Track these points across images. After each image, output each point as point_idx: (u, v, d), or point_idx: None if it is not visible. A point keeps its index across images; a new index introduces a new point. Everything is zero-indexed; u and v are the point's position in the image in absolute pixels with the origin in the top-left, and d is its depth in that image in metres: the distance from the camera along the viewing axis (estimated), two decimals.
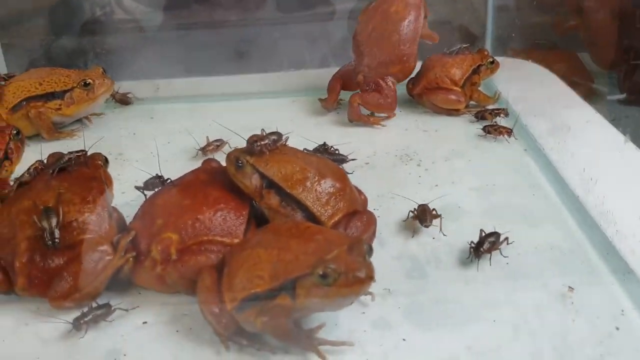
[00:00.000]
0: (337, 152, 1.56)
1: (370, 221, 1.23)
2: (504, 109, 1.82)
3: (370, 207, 1.34)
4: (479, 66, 1.89)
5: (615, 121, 1.69)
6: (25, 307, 1.13)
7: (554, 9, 2.30)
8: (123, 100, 2.02)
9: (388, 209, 1.39)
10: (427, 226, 1.28)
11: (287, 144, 1.28)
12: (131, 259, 1.14)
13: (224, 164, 1.27)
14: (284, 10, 2.54)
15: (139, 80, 2.13)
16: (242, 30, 2.54)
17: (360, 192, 1.33)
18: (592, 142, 1.64)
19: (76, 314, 1.07)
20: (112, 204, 1.27)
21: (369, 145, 1.70)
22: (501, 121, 1.78)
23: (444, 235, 1.29)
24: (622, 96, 2.05)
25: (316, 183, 1.21)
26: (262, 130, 1.26)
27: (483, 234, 1.23)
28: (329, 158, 1.44)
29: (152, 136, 1.75)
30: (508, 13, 2.35)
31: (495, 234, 1.23)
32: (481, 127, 1.73)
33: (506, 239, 1.23)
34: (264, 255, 0.99)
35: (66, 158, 1.27)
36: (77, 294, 1.11)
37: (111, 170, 1.34)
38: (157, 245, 1.13)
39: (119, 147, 1.72)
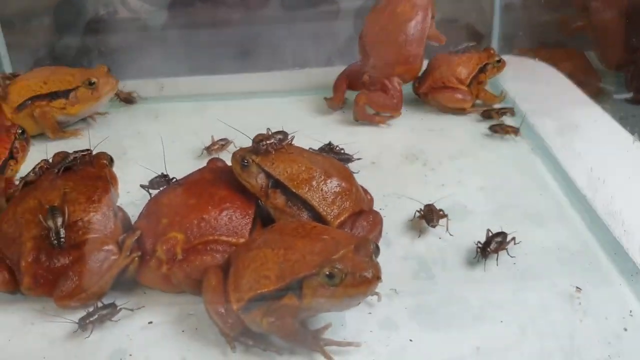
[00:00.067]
0: (342, 151, 1.55)
1: (377, 221, 1.23)
2: (510, 108, 1.81)
3: (376, 207, 1.34)
4: (485, 65, 1.88)
5: (622, 120, 1.68)
6: (31, 307, 1.13)
7: (561, 8, 2.29)
8: (127, 99, 2.02)
9: (394, 208, 1.38)
10: (433, 226, 1.28)
11: (292, 143, 1.27)
12: (136, 258, 1.14)
13: (229, 163, 1.27)
14: (289, 8, 2.54)
15: (143, 79, 2.13)
16: (247, 29, 2.53)
17: (366, 191, 1.33)
18: (599, 141, 1.63)
19: (82, 313, 1.07)
20: (117, 203, 1.27)
21: (374, 144, 1.69)
22: (508, 120, 1.77)
23: (451, 235, 1.29)
24: (630, 95, 2.04)
25: (322, 182, 1.21)
26: (268, 129, 1.26)
27: (490, 234, 1.22)
28: (334, 157, 1.44)
29: (156, 135, 1.74)
30: (515, 11, 2.33)
31: (502, 234, 1.22)
32: (487, 126, 1.73)
33: (513, 239, 1.23)
34: (270, 255, 0.99)
35: (71, 157, 1.27)
36: (82, 293, 1.11)
37: (116, 169, 1.33)
38: (163, 244, 1.13)
39: (123, 146, 1.72)
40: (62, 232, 1.12)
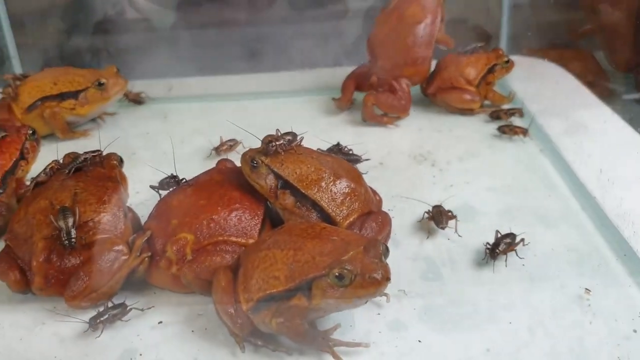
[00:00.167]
0: (351, 152, 1.55)
1: (385, 222, 1.23)
2: (519, 109, 1.80)
3: (384, 208, 1.34)
4: (493, 66, 1.87)
5: (632, 121, 1.67)
6: (42, 306, 1.14)
7: (570, 8, 2.28)
8: (136, 100, 2.03)
9: (403, 209, 1.38)
10: (443, 228, 1.28)
11: (301, 144, 1.28)
12: (146, 259, 1.15)
13: (238, 164, 1.27)
14: (297, 8, 2.54)
15: (151, 80, 2.14)
16: (255, 29, 2.53)
17: (375, 192, 1.33)
18: (609, 142, 1.62)
19: (92, 313, 1.08)
20: (127, 204, 1.28)
21: (383, 145, 1.69)
22: (516, 121, 1.77)
23: (460, 236, 1.29)
24: (639, 96, 2.03)
25: (331, 183, 1.21)
26: (277, 130, 1.26)
27: (499, 235, 1.22)
28: (343, 158, 1.44)
29: (165, 136, 1.76)
30: (523, 11, 2.33)
31: (511, 235, 1.22)
32: (496, 126, 1.73)
33: (522, 240, 1.23)
34: (280, 256, 0.99)
35: (82, 158, 1.28)
36: (93, 293, 1.11)
37: (125, 169, 1.34)
38: (173, 245, 1.13)
39: (132, 146, 1.73)
40: (73, 232, 1.12)
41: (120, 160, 1.34)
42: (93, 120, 1.91)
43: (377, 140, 1.72)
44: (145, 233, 1.17)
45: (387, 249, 0.98)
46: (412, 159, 1.62)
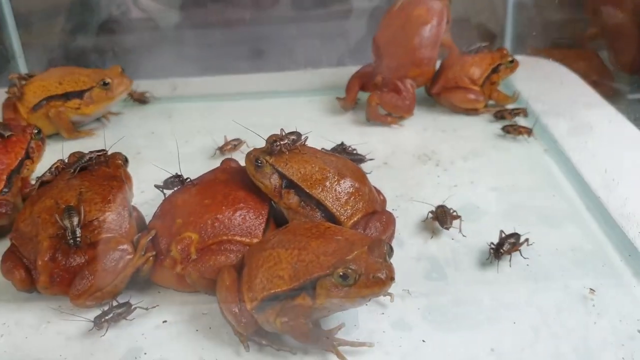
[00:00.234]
0: (355, 151, 1.56)
1: (389, 222, 1.23)
2: (523, 109, 1.80)
3: (389, 207, 1.34)
4: (498, 65, 1.87)
5: (637, 121, 1.66)
6: (48, 305, 1.15)
7: (574, 7, 2.27)
8: (141, 100, 2.04)
9: (407, 209, 1.38)
10: (447, 228, 1.28)
11: (306, 143, 1.28)
12: (151, 258, 1.15)
13: (242, 163, 1.28)
14: (301, 8, 2.54)
15: (156, 80, 2.15)
16: (259, 29, 2.54)
17: (379, 192, 1.33)
18: (614, 142, 1.62)
19: (97, 312, 1.09)
20: (132, 203, 1.28)
21: (387, 144, 1.69)
22: (521, 121, 1.77)
23: (464, 236, 1.29)
24: None
25: (335, 183, 1.21)
26: (282, 130, 1.26)
27: (503, 235, 1.22)
28: (347, 158, 1.44)
29: (170, 135, 1.76)
30: (528, 11, 2.32)
31: (516, 235, 1.22)
32: (500, 126, 1.72)
33: (526, 240, 1.22)
34: (284, 256, 0.99)
35: (87, 157, 1.28)
36: (97, 292, 1.12)
37: (130, 169, 1.35)
38: (177, 244, 1.14)
39: (137, 146, 1.73)
40: (78, 231, 1.13)
41: (125, 160, 1.34)
42: (98, 119, 1.92)
43: (381, 140, 1.72)
44: (149, 232, 1.18)
45: (391, 249, 0.98)
46: (417, 159, 1.62)
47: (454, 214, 1.31)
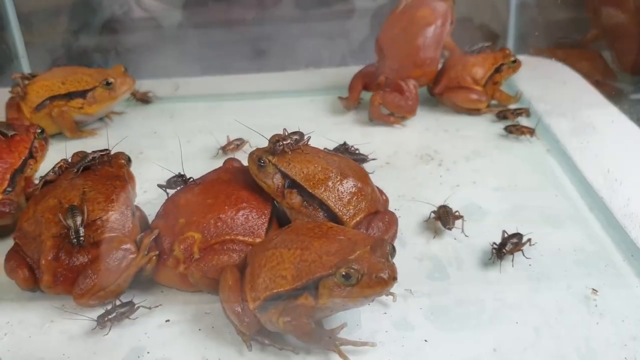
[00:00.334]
0: (357, 151, 1.56)
1: (392, 221, 1.23)
2: (526, 109, 1.80)
3: (391, 207, 1.34)
4: (500, 65, 1.87)
5: None
6: (51, 304, 1.15)
7: (577, 7, 2.27)
8: (143, 99, 2.04)
9: (409, 209, 1.38)
10: (450, 229, 1.28)
11: (308, 143, 1.28)
12: (154, 257, 1.16)
13: (245, 163, 1.28)
14: (303, 8, 2.54)
15: (158, 79, 2.15)
16: (262, 29, 2.54)
17: (381, 192, 1.33)
18: (616, 142, 1.62)
19: (100, 311, 1.09)
20: (135, 203, 1.28)
21: (389, 144, 1.70)
22: (523, 121, 1.77)
23: (466, 236, 1.29)
24: None
25: (338, 183, 1.21)
26: (284, 129, 1.26)
27: (505, 235, 1.22)
28: (350, 158, 1.44)
29: (172, 135, 1.76)
30: (530, 11, 2.32)
31: (518, 235, 1.22)
32: (503, 126, 1.72)
33: (529, 240, 1.22)
34: (287, 255, 0.99)
35: (90, 157, 1.28)
36: (101, 291, 1.12)
37: (133, 168, 1.35)
38: (180, 244, 1.14)
39: (140, 145, 1.74)
40: (82, 230, 1.13)
41: (128, 159, 1.35)
42: (101, 119, 1.92)
43: (384, 140, 1.72)
44: (152, 232, 1.18)
45: (393, 249, 0.98)
46: (419, 159, 1.62)
47: (457, 214, 1.31)
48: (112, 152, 1.33)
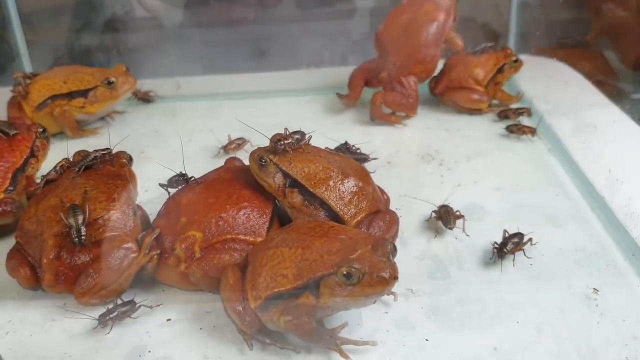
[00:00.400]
0: (358, 151, 1.56)
1: (393, 221, 1.23)
2: (527, 108, 1.80)
3: (392, 207, 1.34)
4: (502, 65, 1.86)
5: None
6: (52, 303, 1.15)
7: (579, 6, 2.27)
8: (145, 99, 2.04)
9: (410, 208, 1.38)
10: (451, 228, 1.28)
11: (309, 142, 1.28)
12: (155, 256, 1.16)
13: (246, 162, 1.28)
14: (304, 7, 2.55)
15: (160, 78, 2.15)
16: (263, 28, 2.54)
17: (382, 191, 1.33)
18: (618, 142, 1.62)
19: (102, 310, 1.09)
20: (136, 202, 1.28)
21: (390, 144, 1.70)
22: (525, 120, 1.77)
23: (467, 235, 1.29)
24: None
25: (339, 182, 1.21)
26: (285, 129, 1.26)
27: (507, 235, 1.22)
28: (351, 157, 1.44)
29: (174, 134, 1.76)
30: (532, 10, 2.32)
31: (519, 235, 1.22)
32: (504, 126, 1.72)
33: (530, 239, 1.23)
34: (288, 254, 0.99)
35: (92, 156, 1.28)
36: (102, 290, 1.12)
37: (134, 167, 1.35)
38: (181, 243, 1.14)
39: (141, 145, 1.74)
40: (83, 229, 1.13)
41: (130, 159, 1.35)
42: (102, 118, 1.92)
43: (385, 139, 1.72)
44: (154, 231, 1.18)
45: (394, 248, 0.98)
46: (420, 158, 1.62)
47: (458, 213, 1.31)
48: (113, 151, 1.33)
